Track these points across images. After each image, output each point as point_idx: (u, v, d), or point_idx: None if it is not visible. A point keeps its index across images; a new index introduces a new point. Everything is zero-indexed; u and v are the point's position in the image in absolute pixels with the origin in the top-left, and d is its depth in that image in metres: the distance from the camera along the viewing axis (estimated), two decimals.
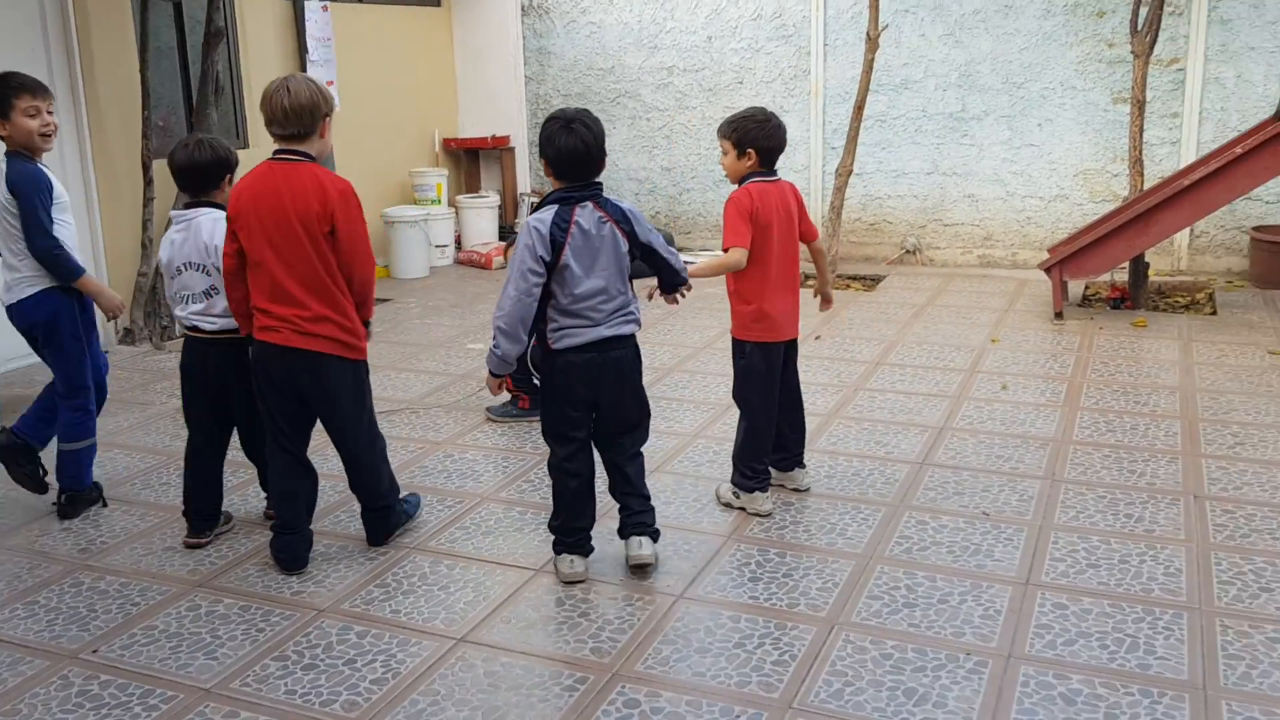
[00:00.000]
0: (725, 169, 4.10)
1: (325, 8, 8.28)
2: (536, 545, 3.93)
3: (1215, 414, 5.12)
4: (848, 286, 8.13)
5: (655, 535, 3.75)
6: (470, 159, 10.13)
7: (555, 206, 3.44)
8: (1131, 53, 7.22)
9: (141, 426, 5.39)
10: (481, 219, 9.61)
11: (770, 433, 4.20)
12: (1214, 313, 6.96)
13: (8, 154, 4.12)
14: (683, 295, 3.81)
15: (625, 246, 3.52)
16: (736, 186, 4.04)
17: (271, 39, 8.07)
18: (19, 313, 4.20)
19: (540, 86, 9.92)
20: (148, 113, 6.76)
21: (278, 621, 3.44)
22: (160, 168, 6.85)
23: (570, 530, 3.69)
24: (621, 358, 3.59)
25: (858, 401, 5.47)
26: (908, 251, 8.93)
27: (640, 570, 3.68)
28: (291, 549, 3.78)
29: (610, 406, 3.63)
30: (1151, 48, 7.12)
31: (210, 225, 3.87)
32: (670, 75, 9.41)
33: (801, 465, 4.36)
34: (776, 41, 8.99)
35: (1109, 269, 6.95)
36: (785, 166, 9.13)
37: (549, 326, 3.52)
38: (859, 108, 7.88)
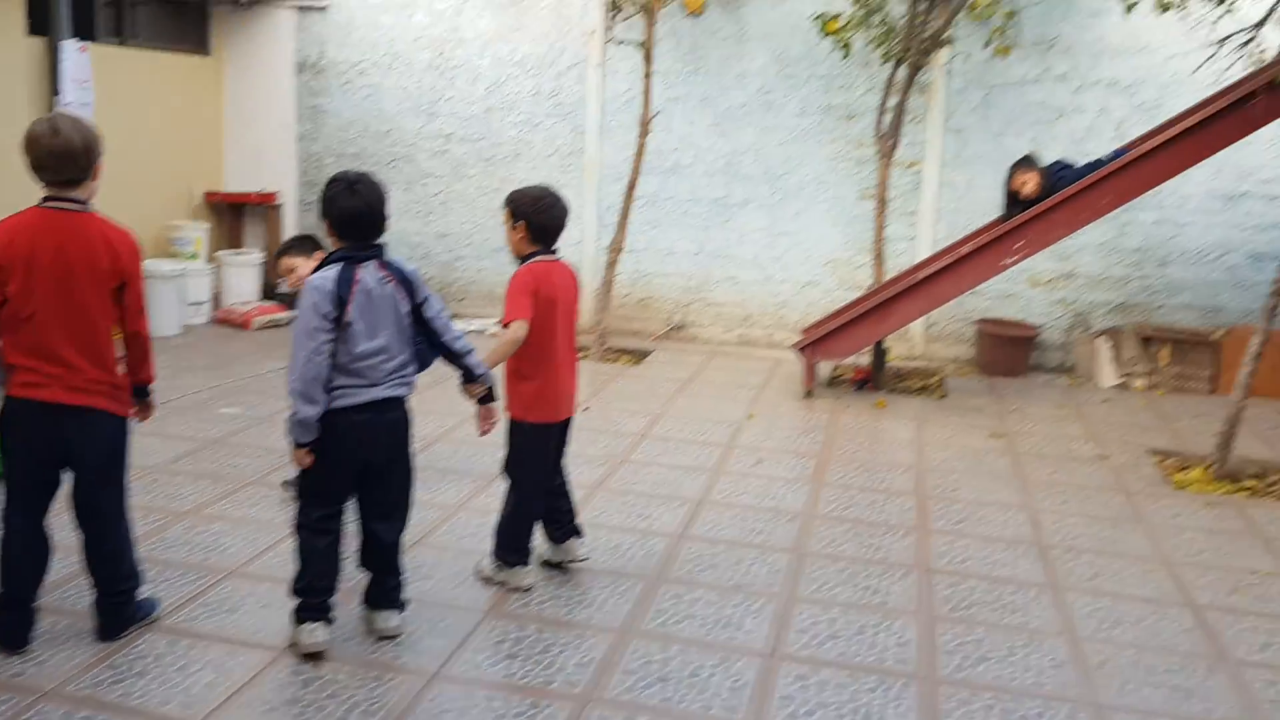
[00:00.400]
0: (508, 241, 4.11)
1: (84, 49, 7.85)
2: (284, 623, 3.78)
3: (944, 492, 5.55)
4: (616, 360, 8.32)
5: (403, 607, 3.77)
6: (234, 214, 9.77)
7: (339, 265, 3.44)
8: (877, 154, 7.84)
9: None
10: (243, 277, 9.26)
11: (539, 511, 4.22)
12: (944, 397, 7.56)
13: None
14: (483, 404, 3.80)
15: (406, 307, 3.54)
16: (519, 262, 4.05)
17: (19, 78, 7.57)
18: None
19: (313, 145, 9.73)
20: None
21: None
22: None
23: (315, 591, 3.58)
24: (396, 420, 3.61)
25: (621, 474, 5.60)
26: (674, 328, 9.25)
27: (388, 639, 3.68)
28: (12, 626, 3.49)
29: (380, 472, 3.62)
30: (894, 151, 7.76)
31: None
32: (448, 143, 9.45)
33: (578, 534, 4.34)
34: (554, 119, 9.20)
35: (854, 352, 7.45)
36: (560, 240, 9.31)
37: (328, 386, 3.48)
38: (631, 188, 8.16)
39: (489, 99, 9.31)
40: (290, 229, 9.77)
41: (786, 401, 7.19)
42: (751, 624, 3.95)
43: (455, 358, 3.70)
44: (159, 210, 9.05)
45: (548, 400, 4.07)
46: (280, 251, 5.00)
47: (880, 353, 7.62)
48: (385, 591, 3.73)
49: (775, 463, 5.89)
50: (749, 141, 8.87)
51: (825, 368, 7.92)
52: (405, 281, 3.54)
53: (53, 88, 7.76)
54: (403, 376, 3.59)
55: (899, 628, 3.98)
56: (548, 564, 4.35)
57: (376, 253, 3.53)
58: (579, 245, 9.28)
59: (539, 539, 4.30)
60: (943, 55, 8.21)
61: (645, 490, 5.36)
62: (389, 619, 3.70)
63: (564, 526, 4.33)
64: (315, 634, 3.54)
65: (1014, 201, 7.16)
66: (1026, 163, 7.18)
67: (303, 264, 4.78)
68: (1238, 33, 5.96)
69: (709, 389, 7.52)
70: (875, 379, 7.65)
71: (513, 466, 4.15)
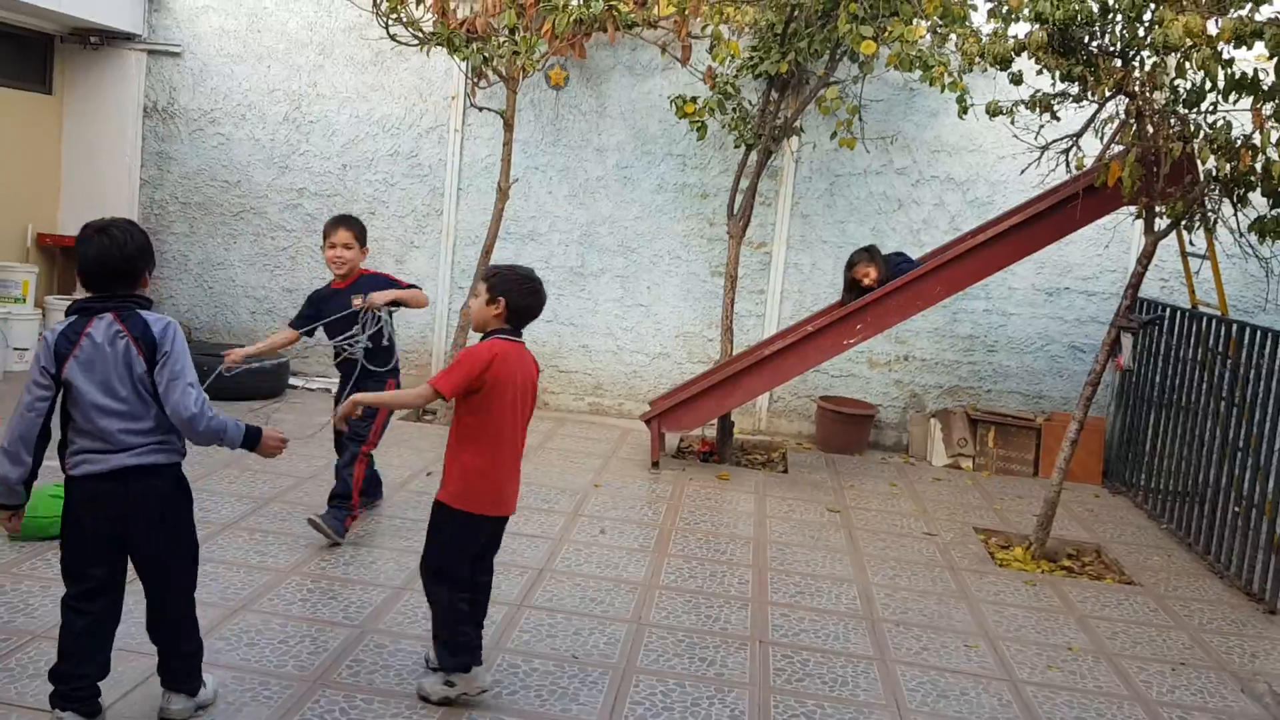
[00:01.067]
0: (471, 313, 3.91)
1: None
2: (105, 685, 3.58)
3: (782, 564, 5.66)
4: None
5: (194, 691, 3.49)
6: (67, 257, 9.33)
7: (72, 318, 3.23)
8: (728, 233, 8.08)
9: None
10: None
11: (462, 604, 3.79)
12: (786, 470, 7.75)
13: None
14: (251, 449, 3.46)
15: (142, 367, 3.20)
16: (483, 337, 3.84)
17: None
18: None
19: (157, 191, 9.42)
20: None
21: None
22: None
23: (69, 677, 3.27)
24: (150, 490, 3.27)
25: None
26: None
27: None
28: None
29: (143, 544, 3.32)
30: (744, 231, 8.01)
31: None
32: (300, 197, 9.29)
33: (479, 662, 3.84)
34: (412, 179, 9.17)
35: (700, 424, 7.59)
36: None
37: (68, 450, 3.25)
38: (487, 252, 8.17)
39: (345, 155, 9.22)
40: None
41: (633, 471, 7.25)
42: (587, 696, 3.93)
43: (185, 431, 3.28)
44: None
45: (487, 490, 3.75)
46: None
47: (726, 426, 7.78)
48: (169, 670, 3.47)
49: (619, 532, 5.91)
50: (606, 213, 9.02)
51: (672, 439, 8.02)
52: (145, 339, 3.20)
53: None
54: (160, 443, 3.27)
55: (733, 699, 4.03)
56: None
57: (120, 304, 3.23)
58: (432, 307, 9.20)
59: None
60: (793, 143, 8.57)
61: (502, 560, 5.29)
62: (171, 701, 3.45)
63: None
64: None
65: (854, 288, 7.48)
66: (868, 253, 7.52)
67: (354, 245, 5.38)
68: (1060, 139, 6.42)
69: (557, 456, 7.51)
70: (720, 451, 7.79)
71: (433, 558, 3.78)
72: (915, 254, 8.12)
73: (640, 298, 9.03)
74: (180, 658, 3.46)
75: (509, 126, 8.05)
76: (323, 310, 5.41)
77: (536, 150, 9.00)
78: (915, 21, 7.08)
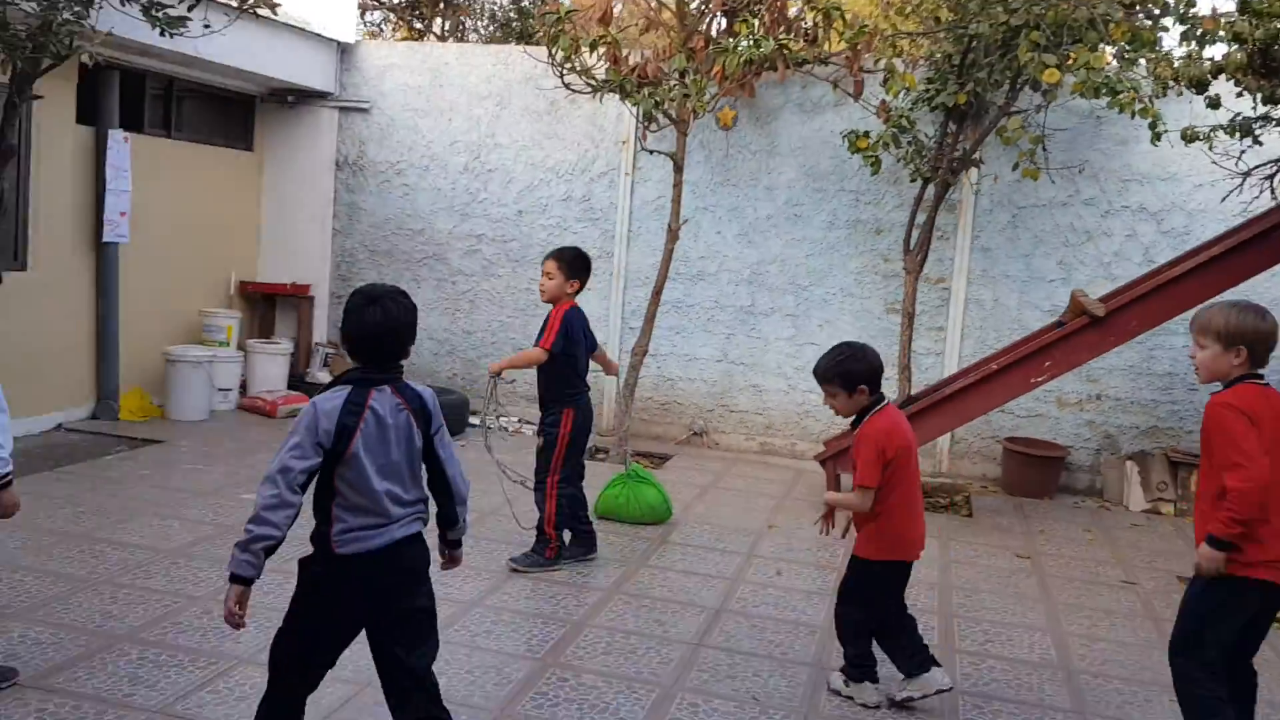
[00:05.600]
0: (839, 410, 4.23)
1: (126, 138, 8.09)
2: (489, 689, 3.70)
3: (969, 610, 5.42)
4: (637, 462, 8.27)
5: None
6: (267, 304, 9.90)
7: (349, 388, 3.04)
8: (904, 269, 7.90)
9: None
10: (273, 365, 9.34)
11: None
12: (970, 514, 7.46)
13: None
14: (451, 550, 3.40)
15: (420, 441, 3.12)
16: (855, 422, 4.22)
17: (67, 163, 7.79)
18: None
19: (347, 240, 9.90)
20: None
21: None
22: None
23: None
24: (415, 558, 3.14)
25: (639, 578, 5.51)
26: (695, 433, 9.22)
27: None
28: None
29: (403, 605, 3.11)
30: (921, 266, 7.81)
31: None
32: (479, 243, 9.60)
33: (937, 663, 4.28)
34: (584, 223, 9.35)
35: None
36: None
37: (334, 528, 3.01)
38: (657, 293, 8.24)
39: (521, 202, 9.48)
40: (321, 321, 9.89)
41: (808, 512, 7.10)
42: None
43: (449, 498, 3.25)
44: (195, 297, 9.18)
45: (898, 540, 4.17)
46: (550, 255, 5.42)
47: None
48: None
49: (795, 574, 5.79)
50: (775, 252, 8.96)
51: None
52: (422, 411, 3.13)
53: (99, 172, 7.97)
54: (419, 514, 3.17)
55: None
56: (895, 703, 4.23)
57: (394, 376, 3.12)
58: (603, 347, 9.30)
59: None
60: (972, 175, 8.34)
61: (662, 595, 5.27)
62: None
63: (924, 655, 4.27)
64: None
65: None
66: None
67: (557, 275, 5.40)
68: (1264, 164, 6.02)
69: (729, 496, 7.45)
70: None
71: (855, 601, 4.27)
72: (1106, 288, 7.75)
73: (812, 336, 8.91)
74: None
75: (679, 168, 8.12)
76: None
77: (706, 190, 9.05)
78: (1101, 48, 6.80)
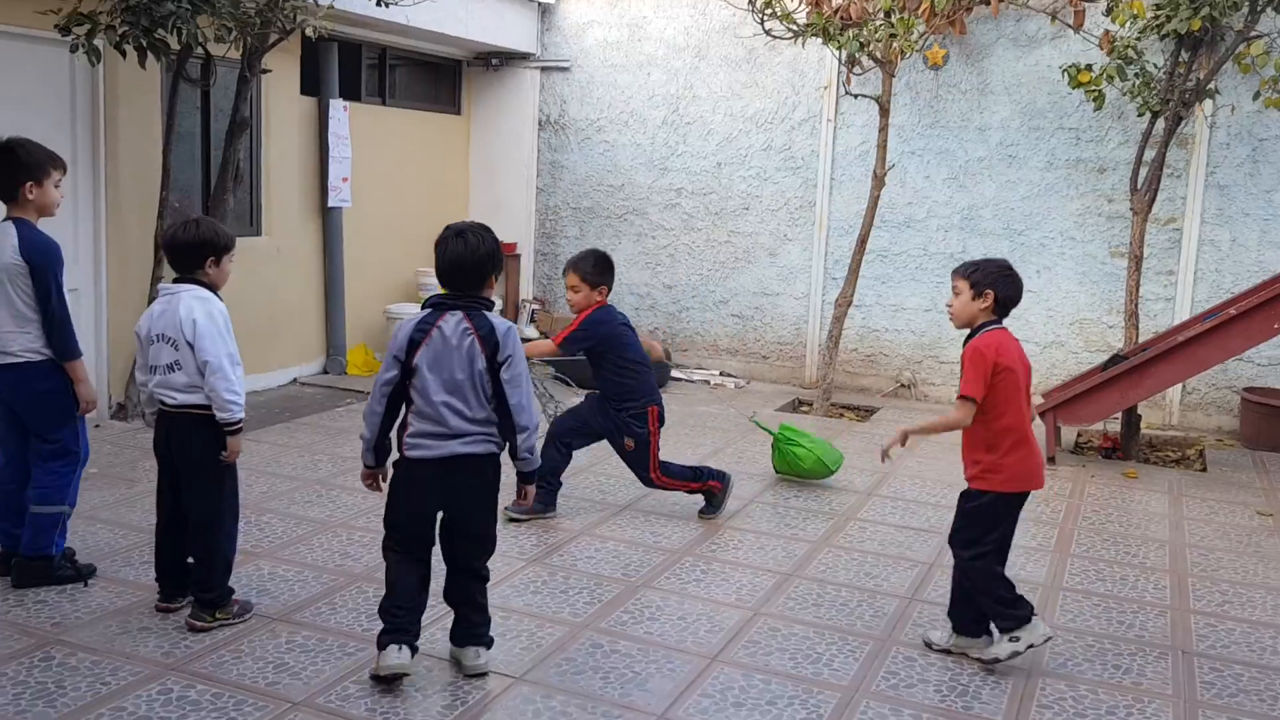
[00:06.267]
0: (953, 312, 4.01)
1: (346, 107, 8.49)
2: (518, 653, 3.87)
3: (1204, 570, 5.10)
4: (841, 415, 8.17)
5: (488, 644, 3.72)
6: None
7: (426, 311, 3.53)
8: (1130, 210, 7.42)
9: (126, 503, 5.33)
10: None
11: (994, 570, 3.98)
12: (1204, 469, 6.99)
13: (14, 220, 4.13)
14: (523, 484, 3.73)
15: (482, 364, 3.47)
16: (969, 334, 3.95)
17: (294, 133, 8.26)
18: (16, 378, 4.16)
19: (550, 198, 10.12)
20: (166, 194, 6.86)
21: (249, 712, 3.35)
22: None
23: (390, 613, 3.57)
24: (473, 478, 3.56)
25: (848, 531, 5.45)
26: (902, 385, 9.00)
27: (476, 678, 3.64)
28: None
29: (456, 519, 3.65)
30: (1150, 206, 7.32)
31: (190, 303, 3.86)
32: (679, 197, 9.61)
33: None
34: (785, 172, 9.21)
35: (1102, 418, 7.01)
36: (786, 293, 9.29)
37: (407, 431, 3.54)
38: (862, 241, 8.04)
39: (720, 154, 9.43)
40: (527, 278, 10.17)
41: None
42: (989, 695, 3.73)
43: (510, 428, 3.55)
44: (411, 256, 9.61)
45: (1020, 469, 3.91)
46: (569, 265, 5.33)
47: (1133, 419, 7.14)
48: (467, 628, 3.69)
49: (1016, 530, 5.57)
50: (989, 196, 8.59)
51: (1069, 434, 7.48)
52: (489, 338, 3.47)
53: (322, 141, 8.42)
54: (487, 434, 3.54)
55: (1154, 711, 3.66)
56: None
57: (470, 303, 3.52)
58: (806, 298, 9.21)
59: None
60: (1206, 107, 7.72)
61: (874, 549, 5.19)
62: (467, 656, 3.65)
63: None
64: (388, 657, 3.52)
65: None
66: None
67: (582, 288, 5.24)
68: None
69: (939, 450, 7.23)
70: (1126, 447, 7.16)
71: (971, 534, 3.98)
72: None
73: (1029, 283, 8.33)
74: (477, 612, 3.70)
75: (884, 112, 7.87)
76: None
77: (913, 134, 8.75)
78: None
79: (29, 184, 4.10)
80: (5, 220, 4.17)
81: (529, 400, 3.58)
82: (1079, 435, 7.62)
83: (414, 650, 3.58)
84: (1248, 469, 7.04)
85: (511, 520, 5.24)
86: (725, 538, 5.24)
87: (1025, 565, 5.04)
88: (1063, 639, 4.23)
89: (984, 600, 3.93)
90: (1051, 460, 6.89)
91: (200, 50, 6.54)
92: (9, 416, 4.25)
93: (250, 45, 6.78)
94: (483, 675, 3.65)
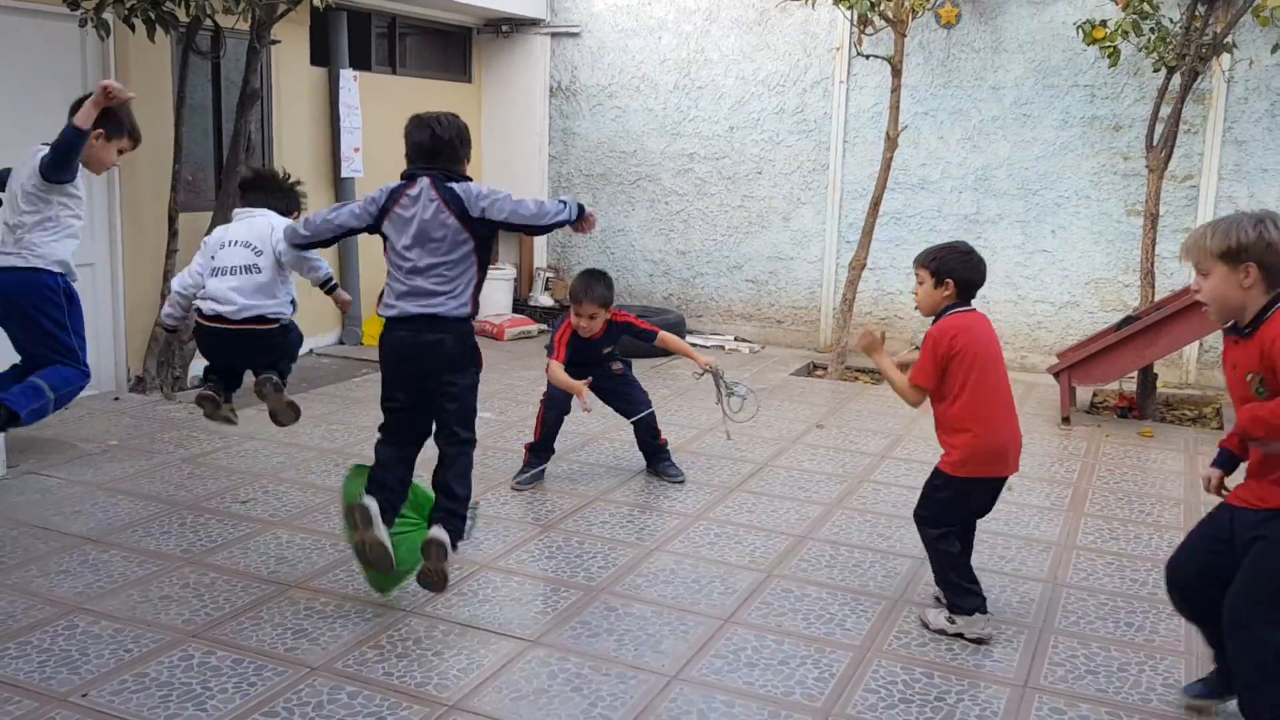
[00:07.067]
0: (918, 301, 4.00)
1: (356, 77, 8.48)
2: (533, 616, 3.91)
3: None
4: (856, 379, 8.17)
5: (457, 533, 3.80)
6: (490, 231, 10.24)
7: (397, 182, 3.79)
8: (1146, 167, 7.36)
9: (146, 474, 5.40)
10: (496, 291, 9.69)
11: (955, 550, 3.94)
12: (1220, 428, 6.96)
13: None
14: (583, 228, 4.06)
15: (453, 223, 3.71)
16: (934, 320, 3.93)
17: (305, 104, 8.26)
18: (26, 282, 4.25)
19: (563, 165, 10.10)
20: (178, 167, 6.89)
21: (270, 677, 3.41)
22: (185, 220, 6.98)
23: (374, 484, 3.82)
24: (438, 343, 3.75)
25: (862, 493, 5.47)
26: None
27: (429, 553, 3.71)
28: None
29: (431, 393, 3.83)
30: (1166, 163, 7.25)
31: (273, 219, 4.31)
32: (691, 162, 9.58)
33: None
34: (797, 135, 9.16)
35: (1117, 378, 6.99)
36: (800, 257, 9.26)
37: (384, 294, 3.83)
38: (875, 204, 8.00)
39: (732, 117, 9.38)
40: (543, 247, 10.17)
41: (1041, 427, 6.81)
42: (1002, 653, 3.75)
43: (536, 224, 3.86)
44: None
45: (986, 455, 3.82)
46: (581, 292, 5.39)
47: (1149, 378, 7.11)
48: (439, 509, 3.83)
49: (1028, 490, 5.59)
50: (1003, 155, 8.52)
51: (1084, 394, 7.46)
52: (453, 201, 3.70)
53: (333, 111, 8.42)
54: (445, 298, 3.75)
55: (1166, 667, 3.68)
56: None
57: (437, 174, 3.75)
58: (820, 262, 9.18)
59: None
60: (1223, 61, 7.62)
61: (887, 510, 5.21)
62: (433, 532, 3.71)
63: None
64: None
65: None
66: None
67: (600, 314, 5.37)
68: None
69: None
70: (1141, 406, 7.14)
71: (935, 516, 3.96)
72: None
73: (1043, 243, 8.46)
74: (449, 500, 3.83)
75: (897, 72, 7.81)
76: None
77: (926, 94, 8.67)
78: None
79: (100, 132, 4.20)
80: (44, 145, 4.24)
81: (518, 202, 3.81)
82: (1095, 395, 7.60)
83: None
84: None
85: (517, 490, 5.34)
86: (739, 501, 5.27)
87: (1039, 525, 5.06)
88: (1075, 597, 4.25)
89: (938, 574, 3.97)
90: (1066, 420, 6.89)
91: (209, 22, 6.54)
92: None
93: (259, 16, 6.77)
94: (440, 555, 3.68)
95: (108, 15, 5.79)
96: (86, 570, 4.20)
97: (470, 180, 3.87)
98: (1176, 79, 7.20)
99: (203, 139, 7.48)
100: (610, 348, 5.55)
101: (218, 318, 4.27)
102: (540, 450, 5.51)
